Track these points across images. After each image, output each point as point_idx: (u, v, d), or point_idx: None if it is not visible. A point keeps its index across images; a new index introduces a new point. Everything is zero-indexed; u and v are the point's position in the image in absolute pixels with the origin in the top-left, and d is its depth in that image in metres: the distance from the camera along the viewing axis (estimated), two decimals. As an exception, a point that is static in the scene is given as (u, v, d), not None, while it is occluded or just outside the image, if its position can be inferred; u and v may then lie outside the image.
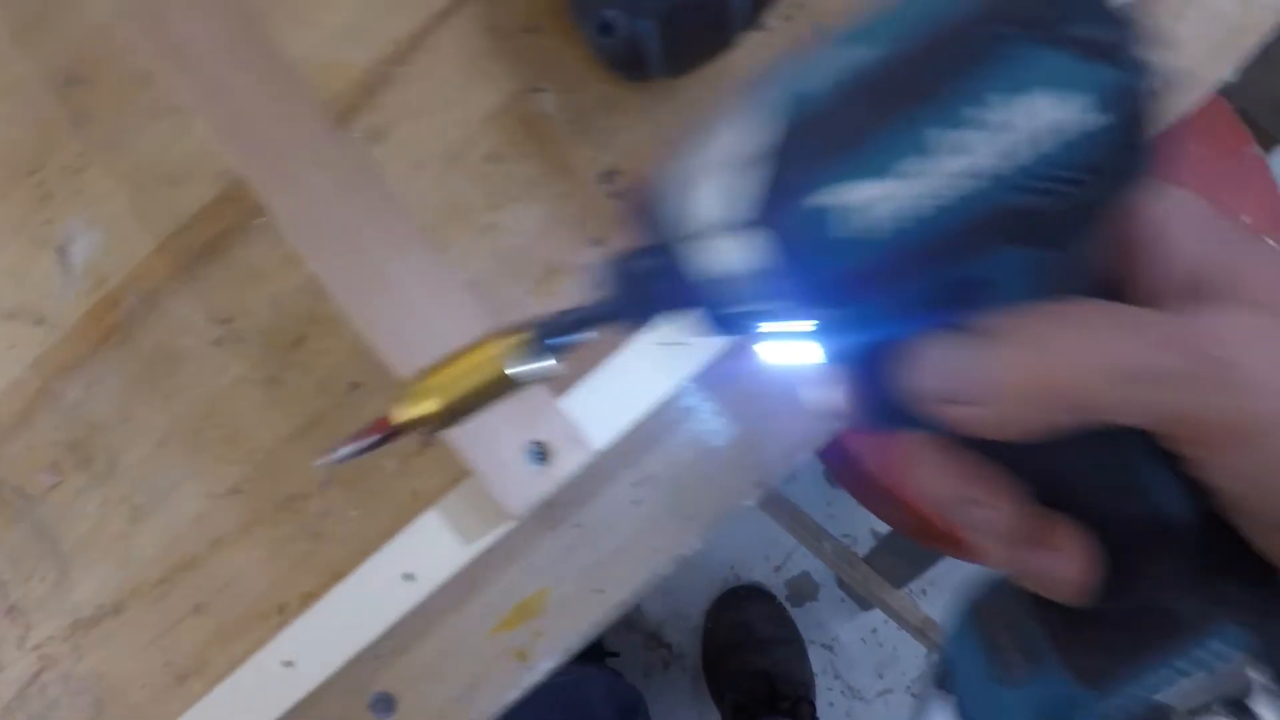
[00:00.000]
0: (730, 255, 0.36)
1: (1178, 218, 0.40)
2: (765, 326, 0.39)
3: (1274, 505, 0.38)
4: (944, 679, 0.52)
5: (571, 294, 0.71)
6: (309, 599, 0.68)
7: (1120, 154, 0.36)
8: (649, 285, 0.39)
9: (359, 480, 0.72)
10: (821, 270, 0.36)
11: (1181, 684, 0.44)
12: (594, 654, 1.97)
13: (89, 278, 0.77)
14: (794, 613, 2.09)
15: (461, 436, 0.61)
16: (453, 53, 0.74)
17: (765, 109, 0.36)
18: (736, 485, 0.70)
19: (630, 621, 2.11)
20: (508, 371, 0.42)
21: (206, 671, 0.72)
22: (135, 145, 0.78)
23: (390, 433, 0.43)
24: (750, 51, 0.72)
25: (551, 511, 0.70)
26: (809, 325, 0.38)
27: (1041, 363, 0.36)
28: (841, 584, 2.07)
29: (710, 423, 0.71)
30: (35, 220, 0.78)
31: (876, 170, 0.35)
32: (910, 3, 0.36)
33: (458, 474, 0.67)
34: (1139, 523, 0.44)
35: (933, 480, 0.43)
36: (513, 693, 0.71)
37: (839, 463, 1.24)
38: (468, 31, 0.74)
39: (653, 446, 0.70)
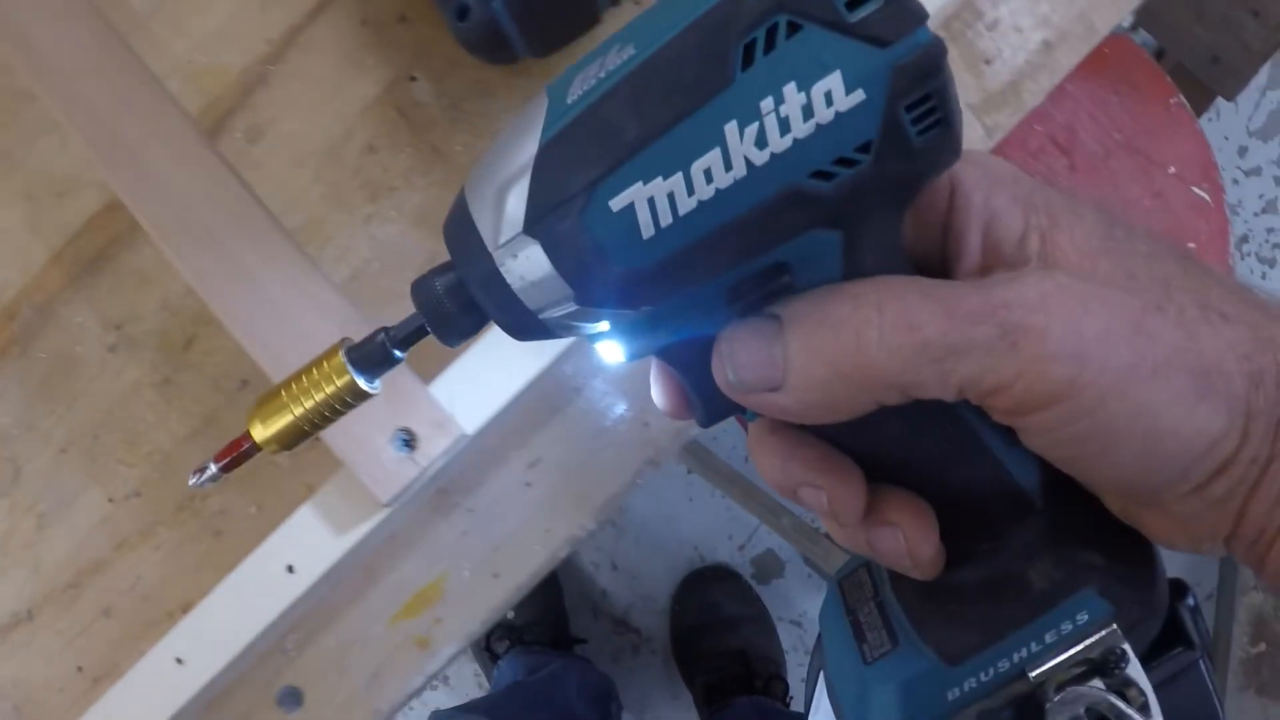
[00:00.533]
0: (515, 267, 0.37)
1: (983, 186, 0.41)
2: (563, 331, 0.40)
3: (1097, 466, 0.39)
4: (822, 661, 0.52)
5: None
6: (211, 597, 0.69)
7: (889, 130, 0.35)
8: (446, 302, 0.41)
9: (254, 477, 0.72)
10: (599, 274, 0.37)
11: (1046, 655, 0.44)
12: (562, 642, 1.98)
13: (-15, 291, 0.77)
14: (760, 590, 2.10)
15: (333, 429, 0.62)
16: (327, 48, 0.75)
17: (537, 115, 0.37)
18: (629, 463, 0.71)
19: (597, 608, 2.12)
20: (323, 397, 0.44)
21: (117, 673, 0.72)
22: (24, 160, 0.78)
23: (239, 457, 0.46)
24: (618, 25, 0.72)
25: (444, 498, 0.71)
26: (602, 327, 0.40)
27: (839, 343, 0.37)
28: (806, 560, 2.08)
29: (599, 402, 0.71)
30: (-71, 237, 0.79)
31: (669, 168, 0.35)
32: (667, 3, 0.37)
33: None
34: (985, 489, 0.44)
35: (768, 465, 0.44)
36: (416, 680, 0.71)
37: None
38: (340, 26, 0.75)
39: (542, 428, 0.71)
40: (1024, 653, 0.44)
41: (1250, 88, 2.23)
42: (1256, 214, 2.27)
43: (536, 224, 0.36)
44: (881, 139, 0.35)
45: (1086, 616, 0.44)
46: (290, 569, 0.65)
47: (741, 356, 0.39)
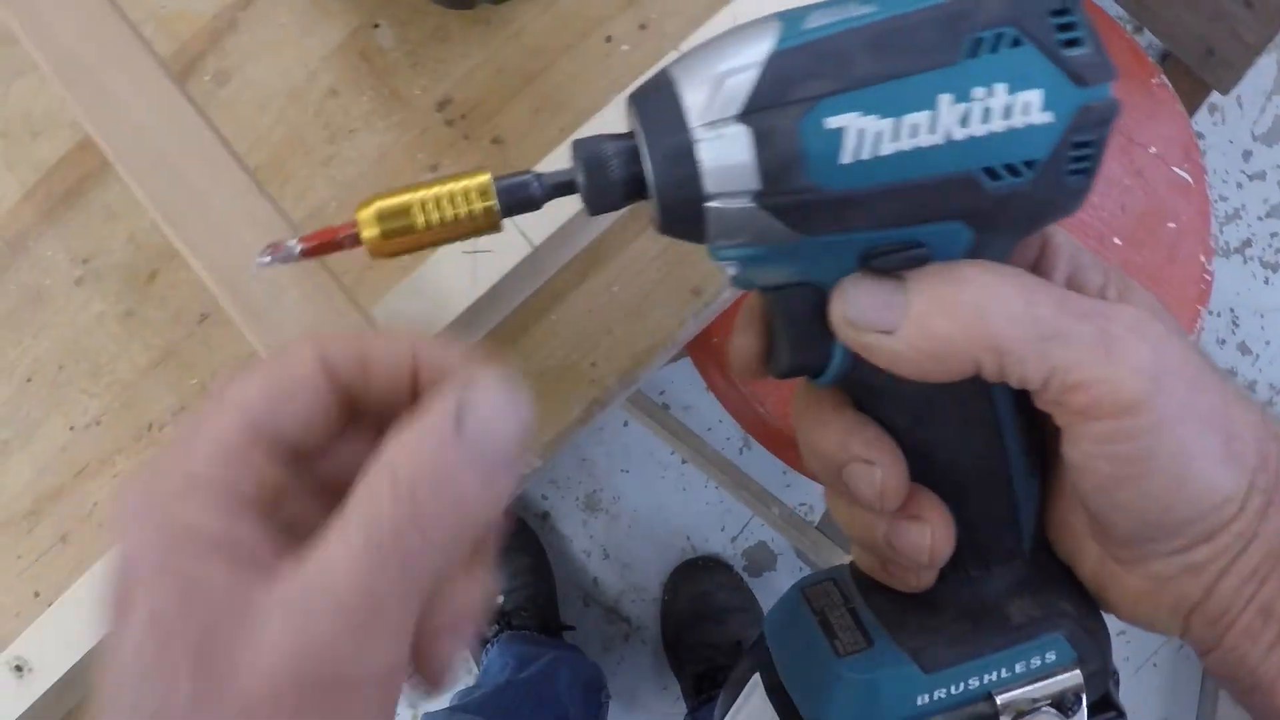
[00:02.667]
0: (714, 146, 0.40)
1: (1069, 244, 0.47)
2: (711, 233, 0.42)
3: (1127, 490, 0.42)
4: (762, 663, 0.53)
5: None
6: (161, 521, 0.70)
7: (1055, 157, 0.40)
8: (612, 166, 0.42)
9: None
10: (790, 178, 0.40)
11: (1013, 683, 0.48)
12: (552, 628, 1.99)
13: (-41, 226, 0.79)
14: (752, 582, 2.10)
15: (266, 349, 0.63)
16: (293, -7, 0.77)
17: (770, 29, 0.40)
18: (575, 403, 0.72)
19: (588, 595, 2.13)
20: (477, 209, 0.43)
21: (73, 600, 0.74)
22: (3, 101, 0.80)
23: (330, 245, 0.45)
24: (573, -23, 0.75)
25: (394, 430, 0.72)
26: (743, 241, 0.42)
27: (963, 295, 0.41)
28: (798, 553, 2.08)
29: (545, 341, 0.72)
30: (-91, 175, 0.81)
31: (886, 110, 0.39)
32: None
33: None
34: (994, 518, 0.49)
35: (821, 434, 0.47)
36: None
37: (740, 410, 1.25)
38: (307, -28, 0.77)
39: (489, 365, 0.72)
40: (994, 676, 0.48)
41: (1255, 92, 2.24)
42: (1260, 218, 2.27)
43: (754, 113, 0.39)
44: (1047, 162, 0.40)
45: (1054, 657, 0.48)
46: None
47: (863, 296, 0.42)
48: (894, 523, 0.47)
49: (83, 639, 0.66)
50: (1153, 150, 1.27)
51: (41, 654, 0.67)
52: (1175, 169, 1.27)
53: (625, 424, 2.10)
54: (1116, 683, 0.51)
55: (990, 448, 0.47)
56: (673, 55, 0.66)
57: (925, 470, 0.47)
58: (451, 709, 1.60)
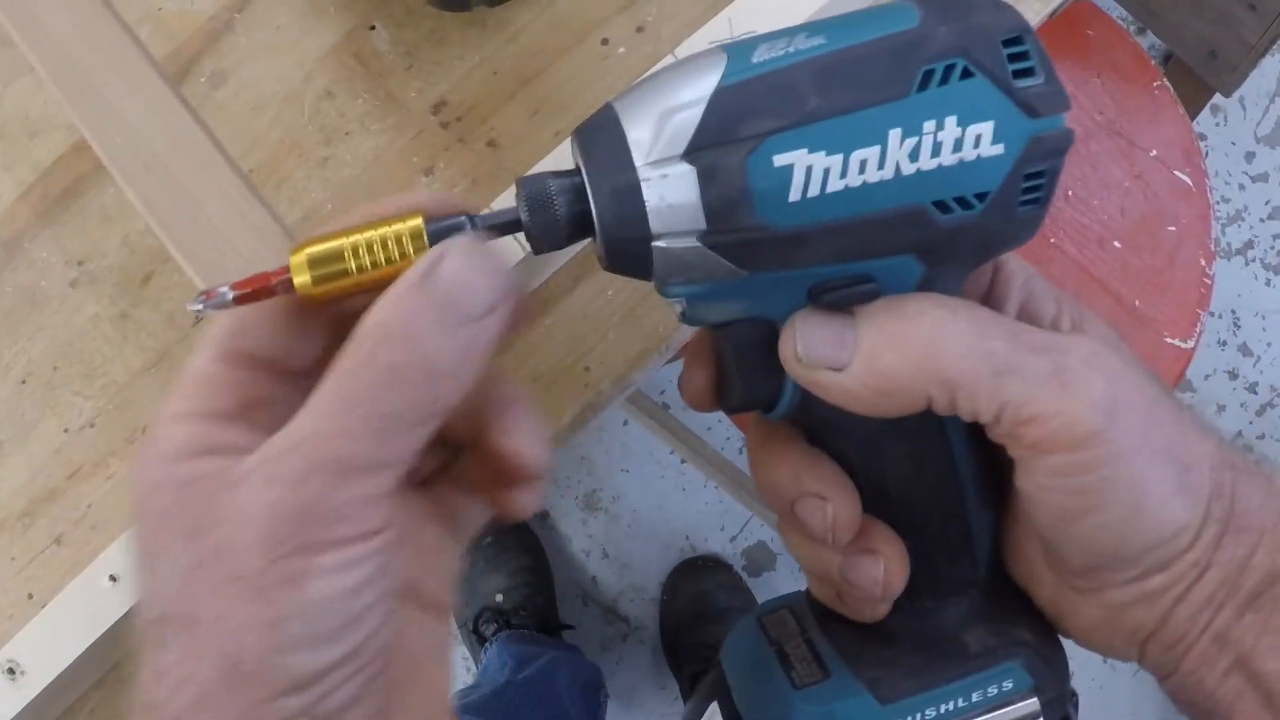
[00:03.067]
0: (659, 185, 0.40)
1: (1022, 271, 0.47)
2: (657, 273, 0.42)
3: (1082, 522, 0.42)
4: (720, 694, 0.53)
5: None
6: (155, 524, 0.70)
7: (1005, 189, 0.40)
8: (556, 205, 0.41)
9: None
10: (737, 218, 0.40)
11: (970, 712, 0.48)
12: (550, 627, 1.98)
13: (-46, 227, 0.79)
14: (751, 582, 2.10)
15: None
16: (289, -5, 0.77)
17: (716, 63, 0.40)
18: (569, 406, 0.72)
19: (587, 595, 2.13)
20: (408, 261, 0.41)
21: (67, 602, 0.74)
22: (0, 102, 0.80)
23: (261, 291, 0.42)
24: (569, -19, 0.74)
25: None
26: (687, 278, 0.42)
27: (912, 331, 0.41)
28: (797, 556, 2.08)
29: (541, 343, 0.72)
30: (-94, 175, 0.81)
31: (834, 147, 0.39)
32: (859, 15, 0.41)
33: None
34: (950, 548, 0.49)
35: (773, 468, 0.47)
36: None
37: (744, 423, 1.25)
38: (303, -26, 0.77)
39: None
40: (951, 705, 0.48)
41: (1258, 93, 2.24)
42: (1263, 220, 2.27)
43: (698, 152, 0.39)
44: (998, 193, 0.40)
45: (1011, 685, 0.48)
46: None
47: (813, 334, 0.42)
48: (847, 556, 0.47)
49: (76, 641, 0.66)
50: (1153, 154, 1.27)
51: (34, 656, 0.67)
52: (1176, 172, 1.27)
53: (625, 423, 2.10)
54: (1076, 705, 0.51)
55: (944, 480, 0.47)
56: (669, 59, 0.66)
57: (879, 503, 0.47)
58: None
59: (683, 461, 2.11)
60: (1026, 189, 0.41)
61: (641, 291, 0.72)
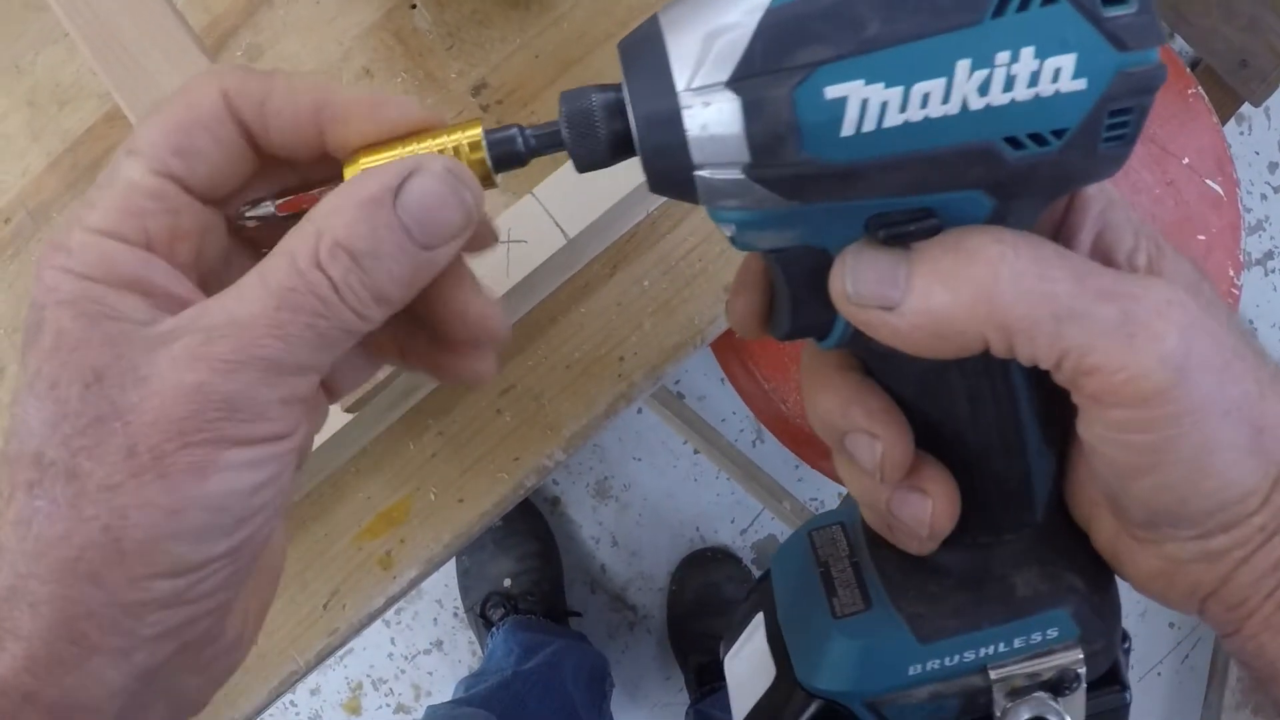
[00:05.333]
0: (700, 114, 0.36)
1: (1100, 198, 0.43)
2: (702, 196, 0.39)
3: (1143, 478, 0.40)
4: (765, 604, 0.52)
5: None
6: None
7: (1087, 126, 0.36)
8: (598, 122, 0.39)
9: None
10: (784, 152, 0.36)
11: (1010, 658, 0.46)
12: (557, 613, 1.98)
13: (-18, 194, 0.78)
14: (759, 576, 2.09)
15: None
16: (330, -30, 0.76)
17: None
18: (602, 397, 0.71)
19: (595, 582, 2.12)
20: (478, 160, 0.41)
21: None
22: (30, 68, 0.79)
23: (308, 206, 0.40)
24: (615, -35, 0.73)
25: (415, 419, 0.71)
26: (737, 204, 0.39)
27: (969, 270, 0.38)
28: (809, 548, 2.07)
29: (575, 332, 0.71)
30: (-66, 139, 0.80)
31: (893, 78, 0.35)
32: None
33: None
34: (1006, 486, 0.46)
35: (828, 404, 0.45)
36: (377, 600, 0.71)
37: (760, 405, 1.24)
38: (344, -51, 0.76)
39: (517, 355, 0.71)
40: (991, 650, 0.46)
41: (1284, 103, 2.22)
42: (1286, 229, 2.25)
43: (743, 80, 0.36)
44: (1078, 131, 0.36)
45: (1056, 633, 0.46)
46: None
47: (864, 269, 0.39)
48: (896, 492, 0.45)
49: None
50: (1185, 161, 1.26)
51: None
52: (1208, 181, 1.26)
53: (639, 411, 2.09)
54: (1128, 650, 0.49)
55: (1003, 421, 0.44)
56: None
57: (933, 440, 0.45)
58: (456, 701, 1.60)
59: (696, 452, 2.10)
60: (1111, 125, 0.37)
61: (677, 284, 0.71)
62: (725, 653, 0.54)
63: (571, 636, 1.93)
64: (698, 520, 2.13)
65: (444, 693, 2.11)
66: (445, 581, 2.08)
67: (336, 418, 0.64)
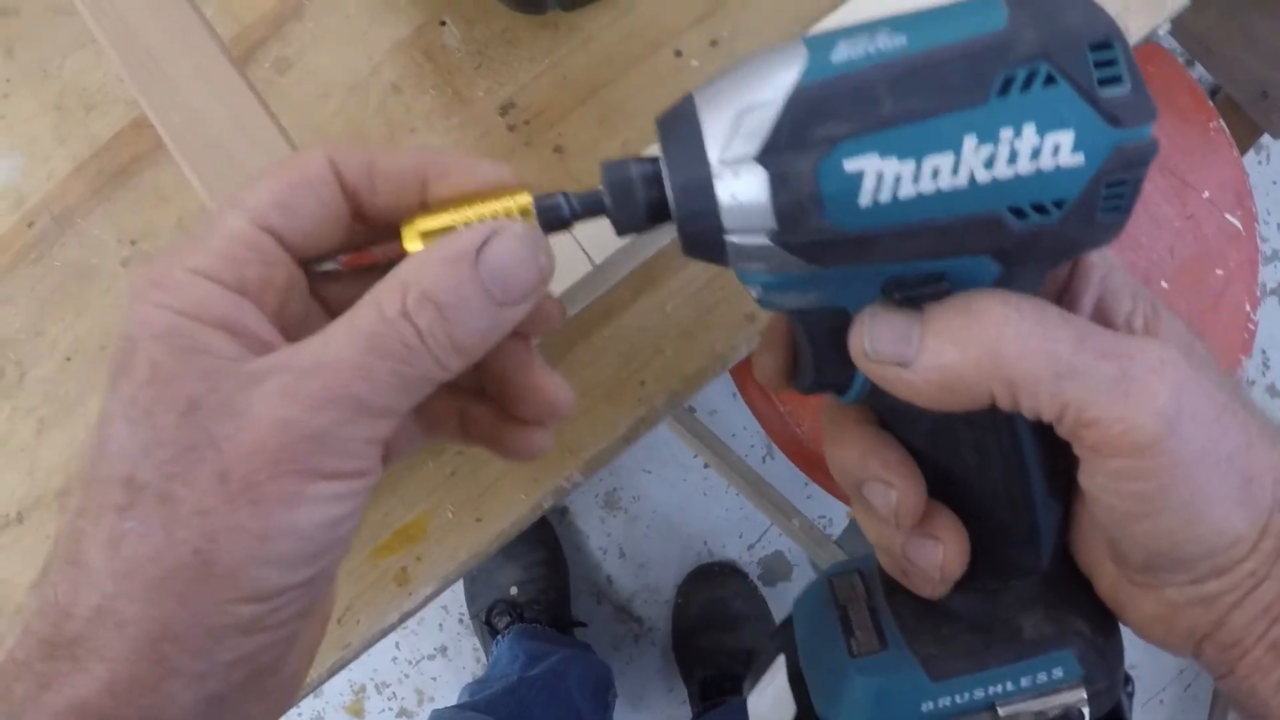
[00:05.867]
0: (731, 184, 0.40)
1: (1101, 265, 0.47)
2: (732, 259, 0.42)
3: (1139, 525, 0.42)
4: (788, 646, 0.54)
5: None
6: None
7: (1085, 197, 0.39)
8: (637, 190, 0.43)
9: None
10: (807, 221, 0.39)
11: (1017, 697, 0.48)
12: (563, 623, 1.98)
13: (8, 198, 0.78)
14: (766, 592, 2.10)
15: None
16: (361, -15, 0.76)
17: (796, 59, 0.39)
18: (622, 419, 0.71)
19: (601, 593, 2.12)
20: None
21: (99, 583, 0.73)
22: (58, 72, 0.79)
23: (367, 260, 0.45)
24: (647, -10, 0.73)
25: (435, 437, 0.72)
26: (763, 269, 0.42)
27: (976, 330, 0.41)
28: (815, 566, 2.07)
29: (597, 354, 0.71)
30: (-40, 141, 0.80)
31: (907, 152, 0.38)
32: (946, 12, 0.40)
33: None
34: (1014, 535, 0.49)
35: (847, 454, 0.48)
36: (391, 616, 0.71)
37: (775, 427, 1.24)
38: (376, -36, 0.76)
39: (537, 377, 0.71)
40: (1000, 689, 0.48)
41: (1305, 133, 2.22)
42: (1300, 261, 2.25)
43: (771, 154, 0.39)
44: (1077, 202, 0.39)
45: (1061, 673, 0.48)
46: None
47: (881, 329, 0.42)
48: (910, 538, 0.47)
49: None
50: (1205, 195, 1.25)
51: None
52: (1227, 215, 1.26)
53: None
54: (1131, 693, 0.51)
55: (1010, 472, 0.47)
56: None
57: (945, 489, 0.48)
58: (461, 706, 1.60)
59: (706, 466, 2.10)
60: (1108, 196, 0.40)
61: (699, 310, 0.71)
62: (749, 691, 0.56)
63: (576, 646, 1.93)
64: (706, 534, 2.13)
65: (447, 698, 2.11)
66: (452, 588, 2.07)
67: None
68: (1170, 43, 1.83)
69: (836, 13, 0.66)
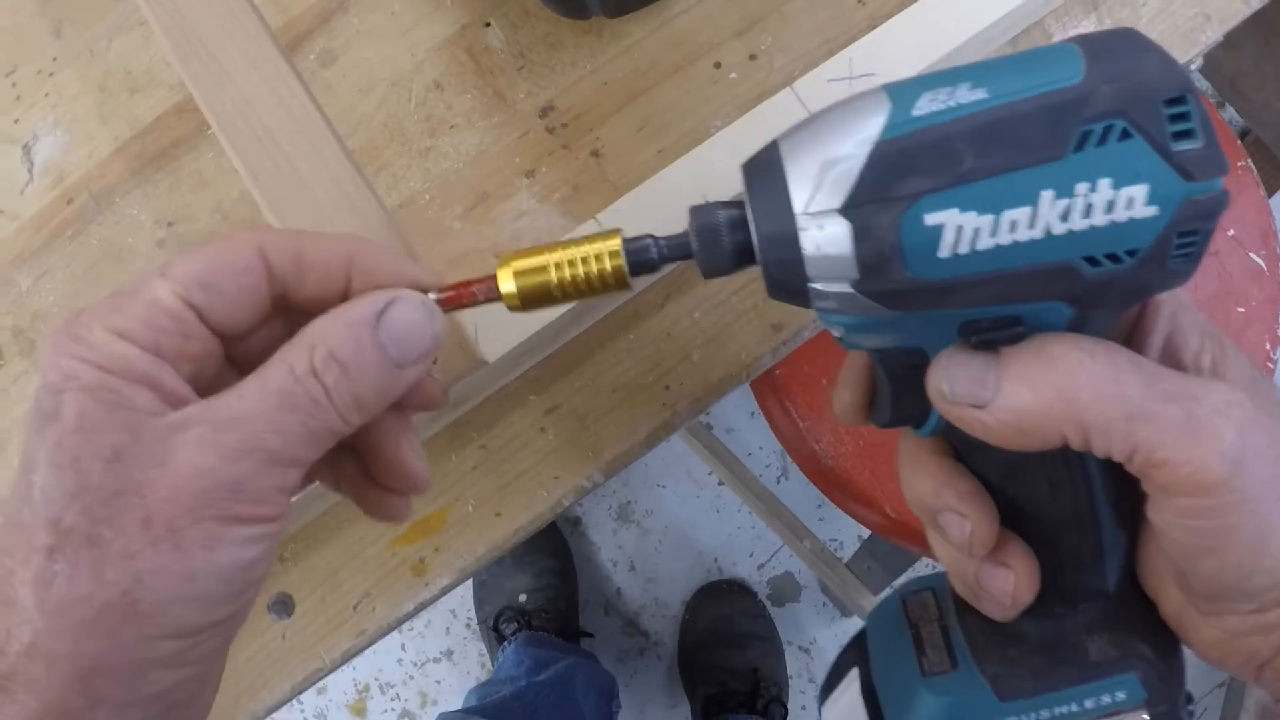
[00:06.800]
0: (815, 236, 0.41)
1: (1170, 303, 0.48)
2: (814, 302, 0.44)
3: (1205, 558, 0.44)
4: (861, 661, 0.56)
5: (501, 222, 0.73)
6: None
7: (1158, 246, 0.40)
8: (723, 235, 0.44)
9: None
10: (889, 272, 0.41)
11: (1079, 716, 0.50)
12: (570, 633, 1.98)
13: (49, 175, 0.79)
14: (774, 612, 2.09)
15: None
16: (408, -18, 0.77)
17: (879, 110, 0.41)
18: (644, 423, 0.72)
19: (609, 605, 2.12)
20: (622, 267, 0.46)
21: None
22: (104, 54, 0.81)
23: (467, 299, 0.48)
24: None
25: (460, 431, 0.72)
26: (843, 311, 0.44)
27: (1051, 375, 0.42)
28: (824, 588, 2.07)
29: (622, 359, 0.72)
30: (5, 118, 0.81)
31: (986, 207, 0.40)
32: (1023, 63, 0.41)
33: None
34: (1082, 561, 0.50)
35: (924, 485, 0.50)
36: (407, 605, 0.72)
37: (793, 443, 1.24)
38: (424, -38, 0.77)
39: (564, 376, 0.72)
40: (1065, 709, 0.50)
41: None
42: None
43: (855, 208, 0.40)
44: (1149, 251, 0.40)
45: (1124, 696, 0.49)
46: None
47: (958, 371, 0.44)
48: (982, 565, 0.49)
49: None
50: (1231, 233, 1.26)
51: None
52: (1251, 254, 1.26)
53: (667, 439, 2.09)
54: (1191, 715, 0.53)
55: (1079, 503, 0.49)
56: (784, 93, 0.66)
57: (1016, 518, 0.49)
58: (468, 710, 1.60)
59: (720, 483, 2.11)
60: (1180, 245, 0.41)
61: (727, 318, 0.72)
62: (823, 702, 0.58)
63: (582, 655, 1.93)
64: (716, 551, 2.13)
65: (450, 702, 2.11)
66: (460, 592, 2.08)
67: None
68: (1202, 83, 1.84)
69: (874, 32, 0.67)
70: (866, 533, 2.04)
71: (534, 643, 1.87)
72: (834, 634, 2.10)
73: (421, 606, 0.73)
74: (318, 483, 0.51)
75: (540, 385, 0.72)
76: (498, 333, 0.64)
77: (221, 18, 0.69)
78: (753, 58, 0.75)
